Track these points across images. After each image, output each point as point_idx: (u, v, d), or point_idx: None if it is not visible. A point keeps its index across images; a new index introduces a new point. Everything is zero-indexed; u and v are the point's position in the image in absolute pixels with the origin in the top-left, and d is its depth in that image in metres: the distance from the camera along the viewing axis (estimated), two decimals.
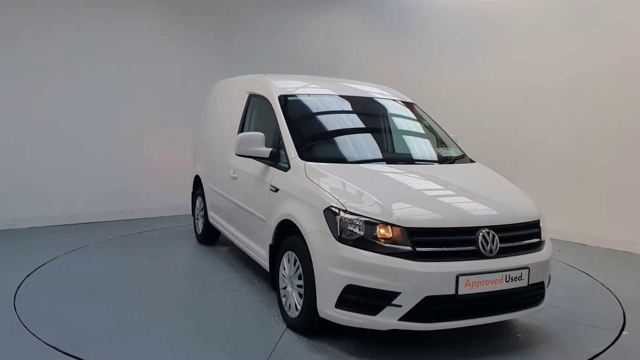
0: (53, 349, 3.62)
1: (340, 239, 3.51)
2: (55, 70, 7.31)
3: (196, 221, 6.81)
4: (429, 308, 3.40)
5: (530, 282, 3.64)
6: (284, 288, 4.09)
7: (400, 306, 3.36)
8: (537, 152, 7.45)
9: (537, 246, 3.84)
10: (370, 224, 3.47)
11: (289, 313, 4.00)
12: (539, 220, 3.93)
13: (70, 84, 7.43)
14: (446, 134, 5.14)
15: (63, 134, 7.39)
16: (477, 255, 3.50)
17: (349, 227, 3.50)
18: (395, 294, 3.35)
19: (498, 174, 4.58)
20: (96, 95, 7.64)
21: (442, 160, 4.78)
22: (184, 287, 5.15)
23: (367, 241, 3.45)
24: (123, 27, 7.86)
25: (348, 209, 3.54)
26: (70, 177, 7.44)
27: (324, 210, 3.63)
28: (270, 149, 4.46)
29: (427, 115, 5.30)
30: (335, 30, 9.60)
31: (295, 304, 3.90)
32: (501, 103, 7.77)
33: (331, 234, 3.55)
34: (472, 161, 4.87)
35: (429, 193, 4.00)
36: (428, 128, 5.17)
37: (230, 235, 5.55)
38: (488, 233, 3.55)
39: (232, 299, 4.69)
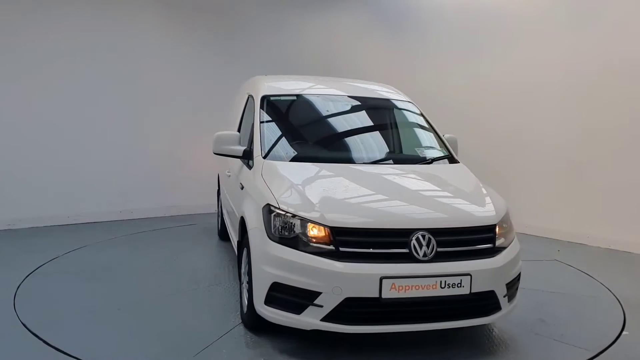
0: (53, 349, 3.62)
1: (271, 237, 3.50)
2: (55, 70, 7.31)
3: (218, 218, 7.03)
4: (350, 310, 3.31)
5: (474, 291, 3.38)
6: (242, 284, 4.17)
7: (322, 306, 3.30)
8: (537, 151, 7.45)
9: (488, 252, 3.56)
10: (299, 222, 3.43)
11: (243, 309, 4.06)
12: (494, 226, 3.63)
13: (70, 84, 7.43)
14: (436, 133, 4.90)
15: (63, 134, 7.40)
16: (409, 258, 3.35)
17: (278, 225, 3.49)
18: (317, 294, 3.30)
19: (473, 175, 4.33)
20: (96, 95, 7.64)
21: (418, 160, 4.59)
22: (173, 279, 5.22)
23: (294, 239, 3.42)
24: (123, 27, 7.86)
25: (281, 207, 3.52)
26: (70, 177, 7.44)
27: (262, 208, 3.63)
28: (244, 148, 4.51)
29: (420, 114, 5.09)
30: (336, 29, 9.60)
31: (245, 300, 3.96)
32: (501, 103, 7.77)
33: (265, 231, 3.54)
34: (455, 162, 4.60)
35: (373, 194, 3.89)
36: (417, 127, 5.05)
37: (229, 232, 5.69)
38: (423, 236, 3.37)
39: (209, 293, 4.80)
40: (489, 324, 3.97)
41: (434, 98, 7.88)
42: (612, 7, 6.73)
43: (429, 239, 3.38)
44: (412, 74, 8.54)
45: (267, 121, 4.62)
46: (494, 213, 3.71)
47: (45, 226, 7.19)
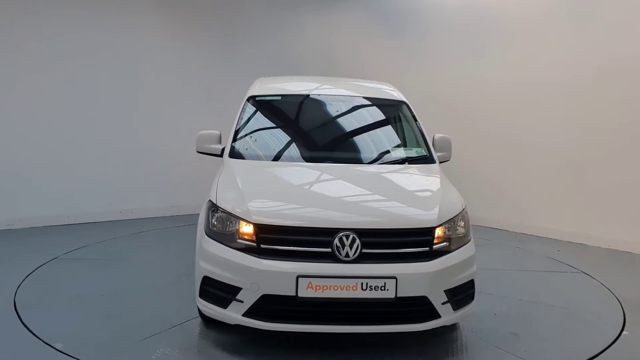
0: (53, 349, 3.62)
1: (207, 232, 3.61)
2: (55, 70, 7.30)
3: None
4: (268, 307, 3.33)
5: (401, 295, 3.27)
6: None
7: (242, 302, 3.35)
8: (537, 151, 7.45)
9: (424, 256, 3.42)
10: (231, 219, 3.51)
11: None
12: (431, 229, 3.47)
13: (70, 84, 7.42)
14: (422, 133, 4.70)
15: (63, 134, 7.39)
16: (332, 258, 3.30)
17: (214, 221, 3.59)
18: (238, 289, 3.35)
19: (437, 178, 4.11)
20: (96, 95, 7.63)
21: (385, 161, 4.44)
22: (167, 273, 5.34)
23: (227, 236, 3.50)
24: (123, 27, 7.85)
25: (218, 204, 3.63)
26: (70, 177, 7.44)
27: (206, 204, 3.79)
28: (223, 147, 4.60)
29: (410, 113, 4.86)
30: (336, 29, 9.60)
31: None
32: (501, 102, 7.77)
33: (204, 226, 3.66)
34: (430, 162, 4.41)
35: (311, 193, 3.91)
36: (401, 127, 4.90)
37: None
38: (347, 236, 3.31)
39: (188, 287, 4.64)
40: (453, 330, 3.94)
41: (434, 98, 7.88)
42: (612, 6, 6.73)
43: (353, 240, 3.31)
44: (413, 73, 8.54)
45: (246, 121, 4.73)
46: (434, 216, 3.52)
47: (45, 226, 7.18)
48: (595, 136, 6.89)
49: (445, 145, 4.72)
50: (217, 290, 3.47)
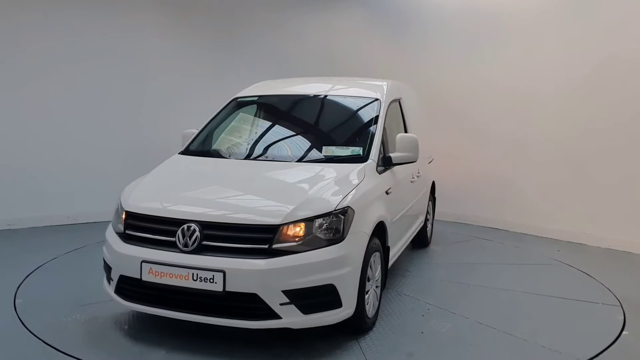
0: (53, 349, 3.63)
1: (112, 220, 4.05)
2: (55, 70, 7.30)
3: None
4: (125, 287, 3.66)
5: (229, 290, 3.29)
6: None
7: (113, 280, 3.74)
8: (537, 151, 7.44)
9: (263, 253, 3.37)
10: (119, 206, 3.97)
11: None
12: (274, 227, 3.40)
13: (70, 84, 7.42)
14: (372, 133, 4.49)
15: (63, 134, 7.39)
16: (174, 247, 3.49)
17: (116, 208, 4.04)
18: (110, 268, 3.79)
19: (343, 178, 3.94)
20: (96, 95, 7.63)
21: (309, 159, 4.37)
22: None
23: (116, 221, 3.93)
24: (123, 27, 7.84)
25: (121, 195, 4.08)
26: (70, 177, 7.43)
27: None
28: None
29: (376, 112, 4.70)
30: (336, 29, 9.59)
31: None
32: (500, 102, 7.76)
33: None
34: (361, 162, 4.21)
35: (184, 186, 4.12)
36: (352, 126, 4.86)
37: None
38: (189, 227, 3.46)
39: None
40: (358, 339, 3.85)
41: (435, 98, 7.87)
42: (612, 6, 6.73)
43: (194, 231, 3.45)
44: (413, 73, 8.53)
45: (220, 121, 5.10)
46: (281, 215, 3.44)
47: (45, 226, 7.18)
48: (595, 136, 6.88)
49: (410, 146, 4.48)
50: (105, 270, 3.94)
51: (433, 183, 6.77)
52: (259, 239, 3.41)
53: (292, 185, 4.03)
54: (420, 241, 6.52)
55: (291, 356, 3.62)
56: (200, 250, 3.42)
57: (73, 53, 7.43)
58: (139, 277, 3.49)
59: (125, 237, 3.72)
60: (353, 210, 3.64)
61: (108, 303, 4.10)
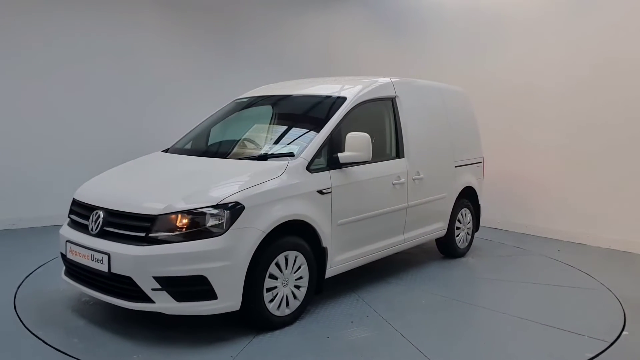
0: (53, 349, 3.62)
1: None
2: (55, 70, 7.31)
3: None
4: (65, 265, 4.21)
5: (114, 271, 3.64)
6: None
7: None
8: (536, 151, 7.44)
9: (142, 240, 3.61)
10: None
11: None
12: (153, 217, 3.61)
13: (71, 84, 7.43)
14: (317, 132, 4.44)
15: (63, 134, 7.40)
16: (87, 229, 3.94)
17: None
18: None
19: (250, 173, 3.99)
20: (97, 95, 7.64)
21: (242, 155, 4.60)
22: None
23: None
24: (124, 27, 7.86)
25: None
26: (71, 177, 7.39)
27: None
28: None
29: (327, 112, 4.64)
30: (335, 29, 9.60)
31: None
32: (500, 102, 7.76)
33: None
34: (288, 158, 4.20)
35: (128, 177, 4.52)
36: (302, 126, 4.88)
37: None
38: (96, 214, 3.91)
39: None
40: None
41: None
42: (612, 6, 6.72)
43: (99, 217, 3.88)
44: (412, 73, 8.53)
45: (212, 121, 5.40)
46: (161, 206, 3.64)
47: (45, 226, 7.18)
48: (596, 135, 6.88)
49: (361, 145, 4.34)
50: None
51: (468, 189, 6.22)
52: (139, 227, 3.69)
53: (195, 179, 4.13)
54: (447, 251, 6.11)
55: (169, 340, 3.78)
56: (102, 234, 3.83)
57: (73, 53, 7.44)
58: (65, 254, 4.07)
59: (69, 222, 4.31)
60: (243, 205, 3.69)
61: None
